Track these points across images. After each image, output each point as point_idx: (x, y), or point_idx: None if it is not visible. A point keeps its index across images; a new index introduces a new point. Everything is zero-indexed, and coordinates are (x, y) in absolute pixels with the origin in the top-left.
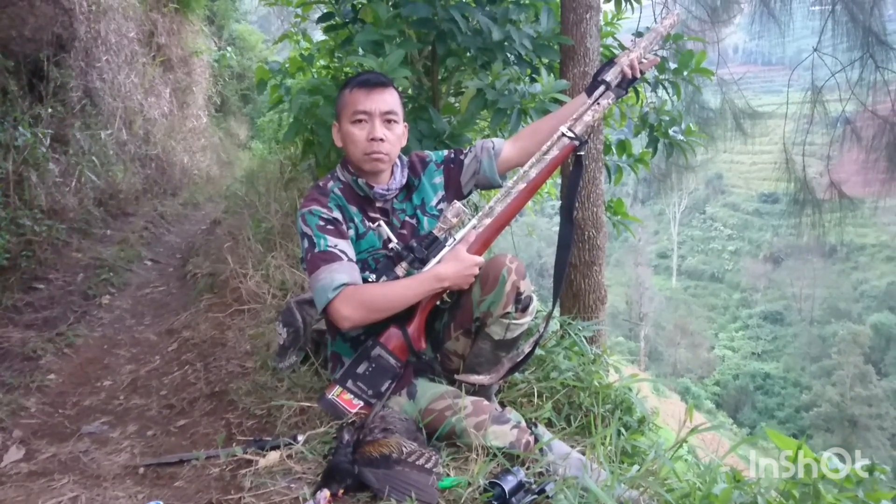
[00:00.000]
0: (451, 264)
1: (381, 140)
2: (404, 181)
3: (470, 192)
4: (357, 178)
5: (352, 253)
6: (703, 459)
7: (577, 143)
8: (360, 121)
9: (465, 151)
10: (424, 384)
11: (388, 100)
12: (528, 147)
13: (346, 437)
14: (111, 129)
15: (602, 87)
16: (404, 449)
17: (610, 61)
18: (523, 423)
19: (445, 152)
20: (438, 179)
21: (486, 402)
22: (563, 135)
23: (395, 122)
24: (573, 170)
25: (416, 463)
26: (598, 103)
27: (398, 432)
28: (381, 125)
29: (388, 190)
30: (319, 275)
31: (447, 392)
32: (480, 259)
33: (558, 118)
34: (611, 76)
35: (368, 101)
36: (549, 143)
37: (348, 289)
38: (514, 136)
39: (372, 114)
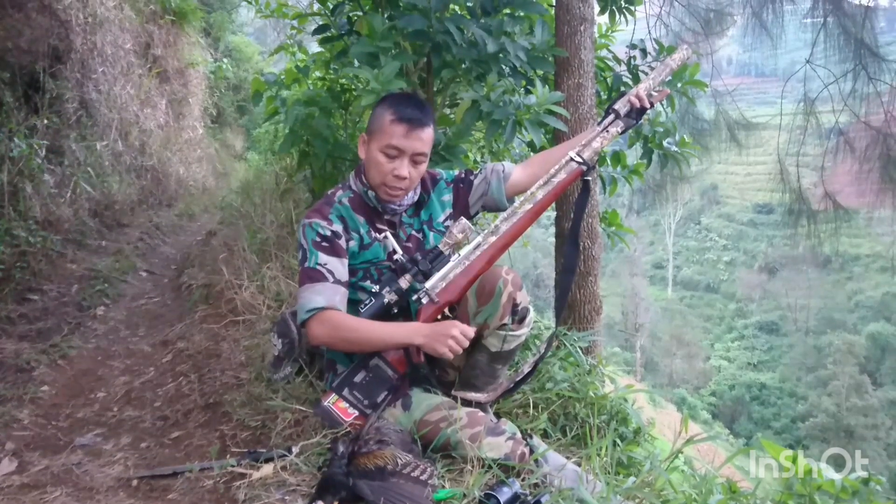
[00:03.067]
0: (433, 327)
1: (405, 178)
2: (416, 198)
3: (477, 213)
4: (368, 191)
5: (340, 272)
6: (699, 470)
7: (584, 167)
8: (390, 154)
9: (475, 172)
10: (420, 395)
11: (425, 140)
12: (537, 173)
13: (341, 448)
14: (107, 140)
15: (611, 116)
16: (399, 461)
17: (622, 93)
18: (518, 435)
19: (456, 172)
20: (447, 197)
21: (481, 414)
22: (572, 159)
23: (423, 161)
24: (580, 194)
25: (412, 475)
26: (608, 130)
27: (393, 444)
28: (409, 164)
29: (399, 205)
30: (302, 293)
31: (442, 403)
32: (465, 328)
33: (569, 146)
34: (619, 105)
35: (406, 140)
36: (557, 167)
37: (325, 313)
38: (525, 161)
39: (405, 152)
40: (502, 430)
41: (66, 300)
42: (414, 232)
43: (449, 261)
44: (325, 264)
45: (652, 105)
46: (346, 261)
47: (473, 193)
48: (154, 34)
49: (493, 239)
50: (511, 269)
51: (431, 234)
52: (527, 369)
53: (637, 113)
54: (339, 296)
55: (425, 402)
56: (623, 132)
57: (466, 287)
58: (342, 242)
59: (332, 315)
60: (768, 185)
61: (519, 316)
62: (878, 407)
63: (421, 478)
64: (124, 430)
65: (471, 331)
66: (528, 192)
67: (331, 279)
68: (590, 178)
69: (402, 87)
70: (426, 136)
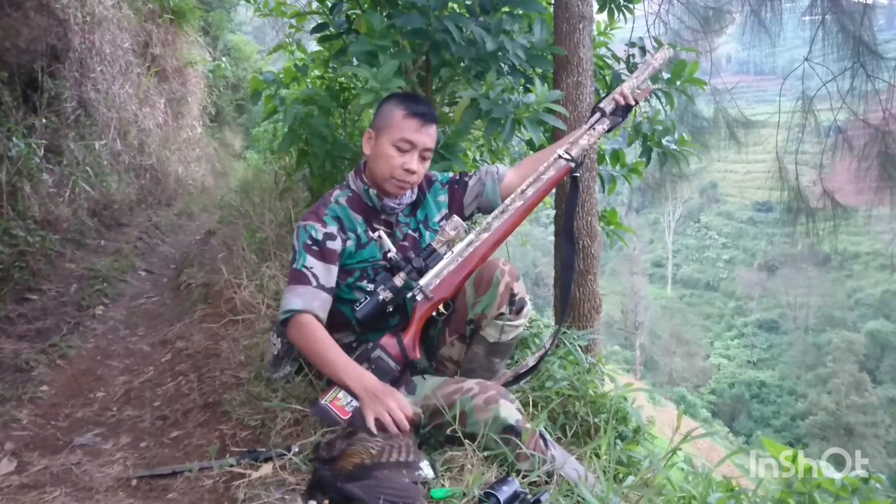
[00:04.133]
0: (378, 386)
1: (414, 172)
2: (413, 198)
3: (472, 214)
4: (368, 189)
5: (325, 277)
6: (699, 468)
7: (572, 164)
8: (402, 148)
9: (469, 174)
10: (422, 380)
11: (433, 136)
12: (529, 175)
13: (324, 455)
14: (105, 139)
15: (598, 114)
16: (373, 450)
17: (608, 93)
18: (524, 413)
19: (451, 174)
20: (443, 198)
21: (490, 382)
22: (560, 156)
23: (429, 157)
24: (570, 192)
25: (391, 460)
26: (594, 128)
27: (359, 428)
28: (418, 159)
29: (398, 204)
30: (286, 293)
31: (449, 379)
32: (403, 403)
33: (559, 146)
34: (605, 103)
35: (419, 134)
36: (546, 165)
37: (302, 317)
38: (517, 164)
39: (416, 146)
40: (513, 399)
41: (65, 300)
42: (410, 231)
43: (442, 258)
44: (311, 268)
45: (637, 102)
46: (333, 267)
47: (468, 194)
48: (152, 33)
49: (485, 236)
50: (508, 261)
51: (427, 234)
52: (532, 362)
53: (622, 111)
54: (319, 301)
55: (431, 382)
56: (609, 130)
57: (460, 283)
58: (335, 245)
59: (308, 321)
60: (767, 183)
61: (516, 306)
62: (877, 405)
63: (401, 459)
64: (123, 430)
65: (409, 408)
66: (519, 190)
67: (314, 283)
68: (578, 175)
69: (401, 86)
70: (434, 133)
